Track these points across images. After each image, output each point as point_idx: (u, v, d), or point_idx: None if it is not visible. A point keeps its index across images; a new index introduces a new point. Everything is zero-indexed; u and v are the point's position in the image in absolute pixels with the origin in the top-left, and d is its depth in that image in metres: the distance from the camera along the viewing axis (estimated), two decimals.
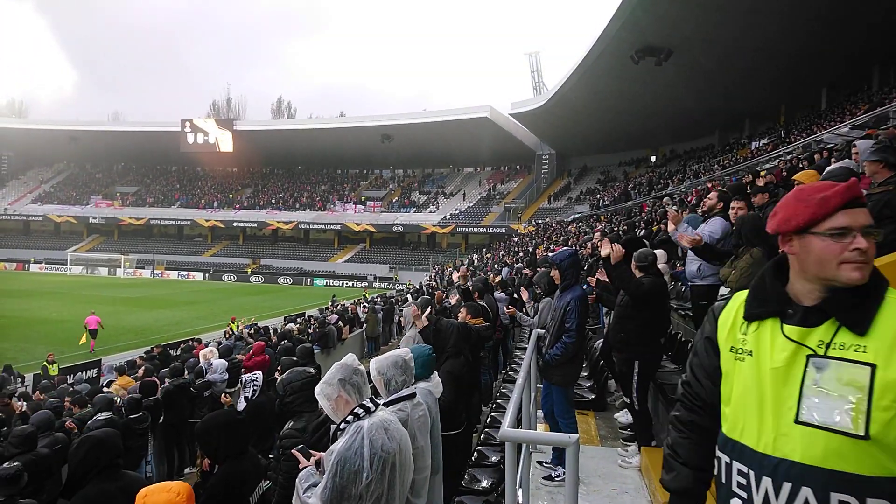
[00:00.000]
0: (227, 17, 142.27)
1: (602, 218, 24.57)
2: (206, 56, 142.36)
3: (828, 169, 4.62)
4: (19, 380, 12.60)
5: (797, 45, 21.90)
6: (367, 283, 41.61)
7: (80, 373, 13.61)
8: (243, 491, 2.84)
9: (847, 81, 24.51)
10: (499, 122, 45.55)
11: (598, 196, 37.17)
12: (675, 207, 8.00)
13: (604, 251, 4.15)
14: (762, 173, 10.86)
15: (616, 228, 15.60)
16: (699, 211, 7.87)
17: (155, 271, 47.07)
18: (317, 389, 2.34)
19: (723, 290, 4.30)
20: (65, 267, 48.27)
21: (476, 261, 30.73)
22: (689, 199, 14.34)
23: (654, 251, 4.16)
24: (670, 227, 4.81)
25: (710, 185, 14.01)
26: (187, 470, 7.54)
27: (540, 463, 3.94)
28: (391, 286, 38.94)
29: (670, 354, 5.40)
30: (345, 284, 42.54)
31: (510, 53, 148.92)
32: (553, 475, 3.75)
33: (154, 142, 57.37)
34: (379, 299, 21.29)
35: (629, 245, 4.54)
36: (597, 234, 13.16)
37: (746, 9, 19.83)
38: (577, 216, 32.88)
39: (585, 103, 34.51)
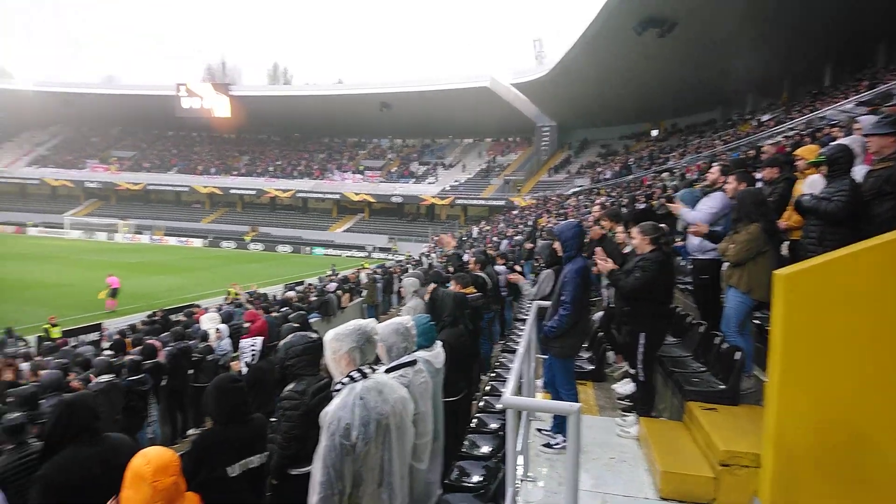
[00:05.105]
0: None
1: (602, 191, 24.50)
2: (200, 20, 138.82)
3: (830, 145, 4.58)
4: (21, 342, 12.71)
5: (802, 21, 21.45)
6: (366, 253, 41.62)
7: (81, 335, 13.73)
8: (221, 458, 2.79)
9: (851, 59, 24.14)
10: (499, 93, 44.87)
11: (599, 169, 36.98)
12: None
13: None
14: (764, 149, 10.80)
15: (616, 203, 15.60)
16: (700, 185, 7.87)
17: (154, 237, 46.92)
18: (328, 335, 2.38)
19: (723, 265, 4.34)
20: (62, 231, 48.06)
21: (475, 233, 30.72)
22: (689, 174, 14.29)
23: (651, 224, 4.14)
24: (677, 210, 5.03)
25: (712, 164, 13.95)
26: (190, 432, 7.68)
27: (539, 430, 4.01)
28: (390, 256, 38.97)
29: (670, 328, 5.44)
30: (344, 254, 42.56)
31: (514, 23, 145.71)
32: (552, 443, 3.81)
33: (149, 106, 56.45)
34: (379, 270, 21.31)
35: (643, 217, 4.58)
36: (596, 208, 13.15)
37: None
38: (577, 189, 32.72)
39: (587, 75, 33.99)
